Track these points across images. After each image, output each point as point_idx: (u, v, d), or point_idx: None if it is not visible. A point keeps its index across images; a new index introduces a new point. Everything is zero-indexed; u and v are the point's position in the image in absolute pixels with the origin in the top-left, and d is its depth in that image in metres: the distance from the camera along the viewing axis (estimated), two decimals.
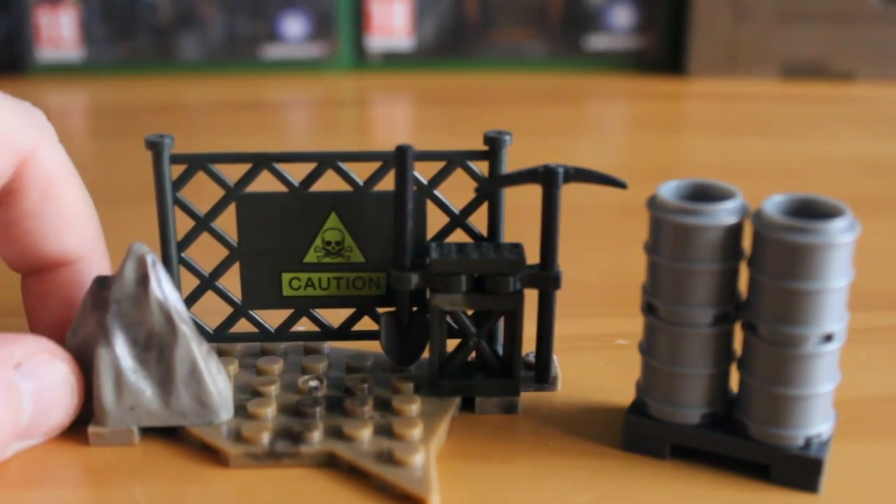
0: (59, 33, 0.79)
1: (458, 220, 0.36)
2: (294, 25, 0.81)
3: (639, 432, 0.33)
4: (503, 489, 0.31)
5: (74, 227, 0.35)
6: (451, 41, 0.82)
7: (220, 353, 0.37)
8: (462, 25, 0.82)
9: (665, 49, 0.83)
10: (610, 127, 0.77)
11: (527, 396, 0.36)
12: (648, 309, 0.32)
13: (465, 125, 0.70)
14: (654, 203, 0.31)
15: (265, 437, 0.32)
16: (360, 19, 0.82)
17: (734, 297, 0.32)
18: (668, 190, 0.32)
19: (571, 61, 0.83)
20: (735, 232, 0.31)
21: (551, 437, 0.34)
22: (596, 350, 0.40)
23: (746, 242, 0.31)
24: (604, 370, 0.38)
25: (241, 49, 0.81)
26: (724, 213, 0.30)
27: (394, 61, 0.82)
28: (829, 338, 0.30)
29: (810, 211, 0.31)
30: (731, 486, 0.32)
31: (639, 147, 0.70)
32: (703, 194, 0.32)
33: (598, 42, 0.83)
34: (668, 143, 0.71)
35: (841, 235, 0.29)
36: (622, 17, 0.82)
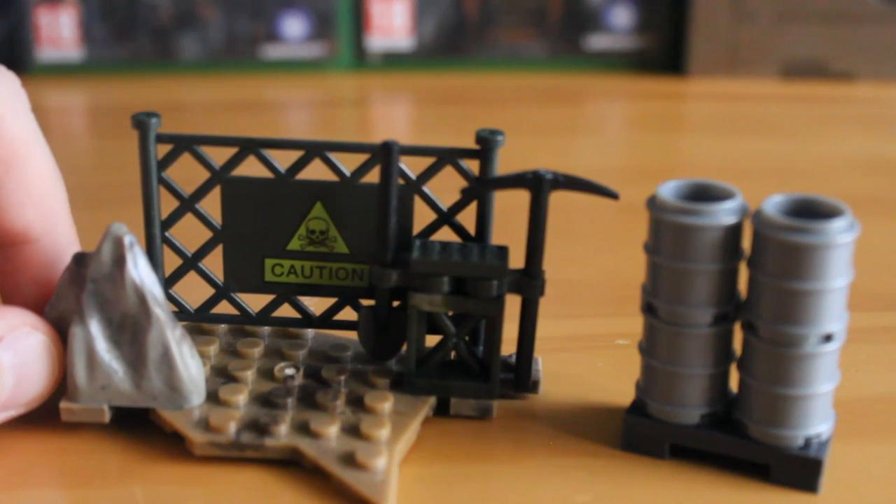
0: (59, 33, 0.79)
1: (445, 218, 0.36)
2: (294, 25, 0.81)
3: (638, 432, 0.33)
4: (501, 489, 0.31)
5: (38, 201, 0.34)
6: (451, 41, 0.82)
7: (203, 332, 0.37)
8: (462, 25, 0.82)
9: (665, 49, 0.83)
10: (610, 127, 0.77)
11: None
12: (648, 309, 0.32)
13: (465, 125, 0.70)
14: (653, 203, 0.31)
15: (231, 427, 0.32)
16: (360, 19, 0.82)
17: (734, 297, 0.32)
18: (667, 190, 0.32)
19: (571, 61, 0.83)
20: (735, 232, 0.31)
21: (550, 437, 0.34)
22: (596, 350, 0.40)
23: (746, 242, 0.31)
24: (604, 370, 0.38)
25: (241, 49, 0.81)
26: (724, 213, 0.30)
27: (394, 61, 0.82)
28: (828, 338, 0.30)
29: (810, 211, 0.31)
30: (731, 486, 0.32)
31: (638, 147, 0.70)
32: (703, 194, 0.32)
33: (597, 42, 0.83)
34: (667, 143, 0.70)
35: (841, 235, 0.29)
36: (622, 17, 0.82)
